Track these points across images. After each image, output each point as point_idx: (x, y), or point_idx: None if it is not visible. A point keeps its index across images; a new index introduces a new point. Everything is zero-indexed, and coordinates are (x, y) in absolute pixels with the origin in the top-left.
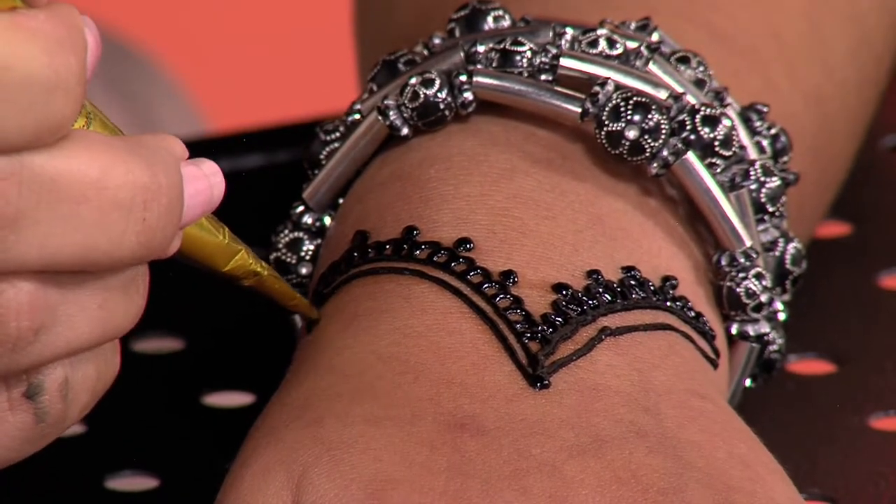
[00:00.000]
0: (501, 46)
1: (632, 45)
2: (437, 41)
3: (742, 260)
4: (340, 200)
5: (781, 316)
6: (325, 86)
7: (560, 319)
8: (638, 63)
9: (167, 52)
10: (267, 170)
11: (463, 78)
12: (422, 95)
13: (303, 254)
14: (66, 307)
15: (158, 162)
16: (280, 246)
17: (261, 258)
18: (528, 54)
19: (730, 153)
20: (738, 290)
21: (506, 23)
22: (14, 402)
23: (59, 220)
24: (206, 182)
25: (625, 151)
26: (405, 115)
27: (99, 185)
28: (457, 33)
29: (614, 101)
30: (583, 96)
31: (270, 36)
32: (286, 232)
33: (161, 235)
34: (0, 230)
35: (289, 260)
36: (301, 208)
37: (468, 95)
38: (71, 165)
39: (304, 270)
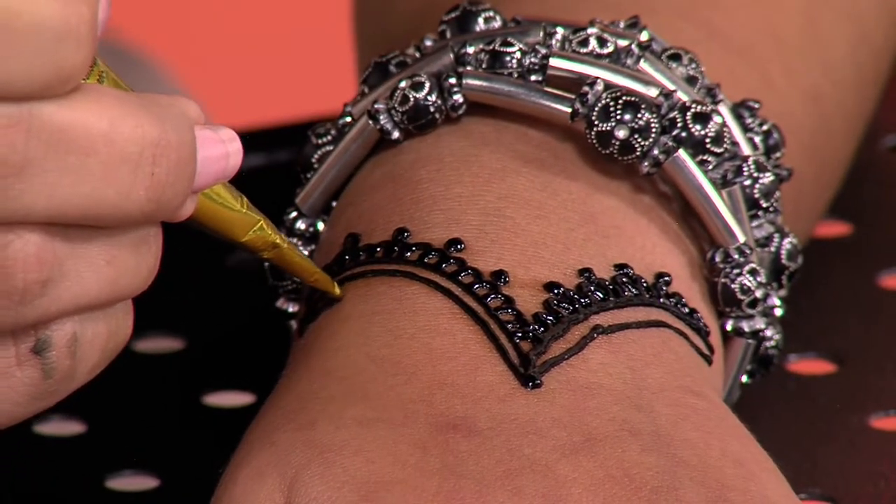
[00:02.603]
0: (491, 47)
1: (623, 43)
2: (428, 43)
3: (736, 256)
4: (334, 204)
5: (778, 311)
6: (324, 86)
7: (552, 318)
8: (629, 61)
9: (167, 53)
10: (267, 170)
11: (452, 80)
12: (412, 99)
13: None
14: (74, 262)
15: (169, 119)
16: None
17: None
18: (518, 55)
19: (721, 150)
20: (732, 286)
21: (497, 24)
22: (22, 357)
23: (66, 170)
24: (222, 147)
25: (615, 151)
26: (395, 118)
27: (108, 138)
28: (448, 35)
29: (604, 101)
30: (572, 96)
31: (270, 36)
32: None
33: (171, 192)
34: (6, 178)
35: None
36: (294, 214)
37: (458, 98)
38: (80, 117)
39: None
